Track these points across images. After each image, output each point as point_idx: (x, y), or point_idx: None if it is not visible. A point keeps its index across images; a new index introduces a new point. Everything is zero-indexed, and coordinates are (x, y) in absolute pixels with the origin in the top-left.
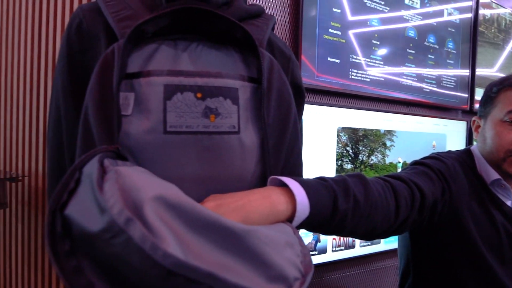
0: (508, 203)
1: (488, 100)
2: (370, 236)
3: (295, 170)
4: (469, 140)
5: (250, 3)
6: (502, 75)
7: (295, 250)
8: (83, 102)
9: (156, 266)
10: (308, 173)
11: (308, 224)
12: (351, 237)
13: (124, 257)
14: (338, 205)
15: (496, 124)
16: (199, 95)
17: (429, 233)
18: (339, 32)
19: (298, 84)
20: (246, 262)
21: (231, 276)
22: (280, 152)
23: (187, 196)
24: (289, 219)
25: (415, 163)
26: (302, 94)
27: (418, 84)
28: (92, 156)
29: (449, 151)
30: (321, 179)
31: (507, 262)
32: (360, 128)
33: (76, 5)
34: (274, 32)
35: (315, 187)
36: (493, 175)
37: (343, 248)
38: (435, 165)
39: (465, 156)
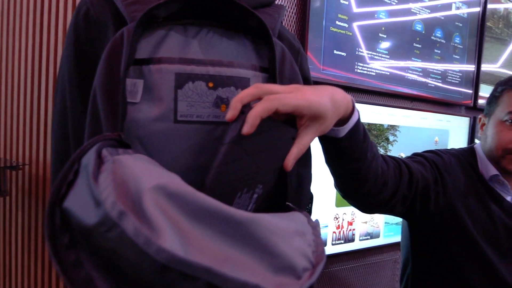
0: (508, 198)
1: (493, 99)
2: (371, 193)
3: (307, 163)
4: (471, 136)
5: None
6: (506, 71)
7: (307, 239)
8: (90, 92)
9: (150, 260)
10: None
11: (353, 134)
12: (357, 193)
13: (120, 251)
14: (366, 131)
15: (497, 124)
16: (210, 84)
17: (427, 223)
18: (346, 25)
19: (306, 77)
20: (251, 252)
21: (232, 269)
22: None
23: (189, 186)
24: (346, 118)
25: (414, 154)
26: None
27: (423, 79)
28: (91, 146)
29: (451, 148)
30: None
31: (505, 255)
32: (364, 122)
33: None
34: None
35: None
36: (492, 171)
37: (342, 241)
38: (430, 157)
39: (466, 153)
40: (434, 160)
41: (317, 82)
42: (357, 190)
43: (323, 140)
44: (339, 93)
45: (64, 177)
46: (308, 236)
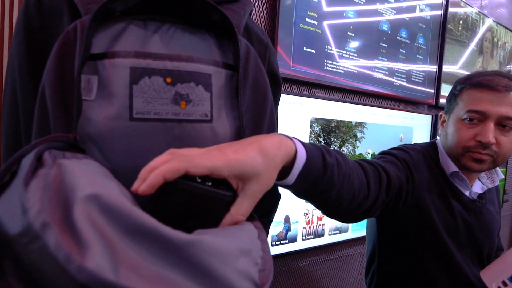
0: (467, 193)
1: (452, 97)
2: (349, 210)
3: None
4: (433, 133)
5: None
6: (465, 71)
7: (253, 258)
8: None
9: (70, 279)
10: None
11: (305, 176)
12: (334, 213)
13: (41, 266)
14: (326, 158)
15: (456, 121)
16: (168, 80)
17: (394, 219)
18: (315, 22)
19: (275, 72)
20: (189, 276)
21: None
22: None
23: (128, 199)
24: (291, 162)
25: (383, 153)
26: (278, 82)
27: (389, 78)
28: (35, 146)
29: (415, 144)
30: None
31: (463, 247)
32: (332, 119)
33: None
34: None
35: (302, 141)
36: (452, 167)
37: (312, 236)
38: (400, 155)
39: (429, 148)
40: (404, 158)
41: (287, 79)
42: (336, 211)
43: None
44: (271, 143)
45: None
46: (254, 254)
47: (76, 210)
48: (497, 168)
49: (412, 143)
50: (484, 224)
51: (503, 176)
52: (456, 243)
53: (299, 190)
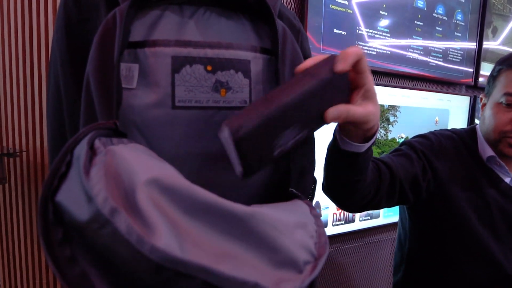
0: (507, 180)
1: (491, 79)
2: (362, 197)
3: (309, 148)
4: (471, 116)
5: None
6: (508, 49)
7: (309, 231)
8: (83, 76)
9: (144, 259)
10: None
11: (369, 150)
12: (350, 202)
13: (114, 248)
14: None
15: (494, 105)
16: (209, 67)
17: (421, 208)
18: (346, 2)
19: (307, 57)
20: (250, 248)
21: (230, 267)
22: None
23: (184, 178)
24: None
25: (403, 143)
26: None
27: (424, 58)
28: (84, 136)
29: (453, 129)
30: None
31: (502, 237)
32: None
33: None
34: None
35: None
36: (489, 152)
37: (343, 222)
38: (418, 145)
39: (466, 134)
40: (421, 148)
41: None
42: (349, 196)
43: (339, 154)
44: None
45: (56, 170)
46: (310, 227)
47: (139, 194)
48: None
49: (449, 126)
50: None
51: None
52: (492, 233)
53: (358, 161)
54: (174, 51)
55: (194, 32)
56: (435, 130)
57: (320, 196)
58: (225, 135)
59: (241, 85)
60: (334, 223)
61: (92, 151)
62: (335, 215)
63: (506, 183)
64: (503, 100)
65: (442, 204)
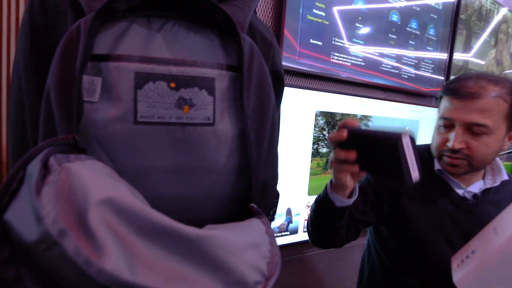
0: (459, 191)
1: (437, 102)
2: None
3: (271, 163)
4: None
5: None
6: (477, 61)
7: (261, 251)
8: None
9: (91, 282)
10: (285, 155)
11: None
12: (329, 242)
13: (61, 270)
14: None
15: (436, 127)
16: (172, 84)
17: (384, 222)
18: (323, 13)
19: (278, 71)
20: (202, 269)
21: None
22: (262, 142)
23: (138, 199)
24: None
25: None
26: (282, 81)
27: (397, 71)
28: (39, 151)
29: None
30: None
31: (453, 242)
32: (337, 113)
33: None
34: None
35: None
36: (437, 166)
37: None
38: (365, 180)
39: (425, 150)
40: (369, 182)
41: (293, 72)
42: (332, 240)
43: (332, 210)
44: None
45: (7, 186)
46: (263, 248)
47: (91, 215)
48: (502, 169)
49: (418, 137)
50: (475, 222)
51: (506, 178)
52: (444, 238)
53: (346, 211)
54: (138, 67)
55: (160, 47)
56: None
57: (291, 203)
58: (407, 140)
59: (205, 102)
60: (305, 229)
61: (46, 169)
62: (305, 221)
63: (456, 193)
64: (441, 123)
65: (399, 217)
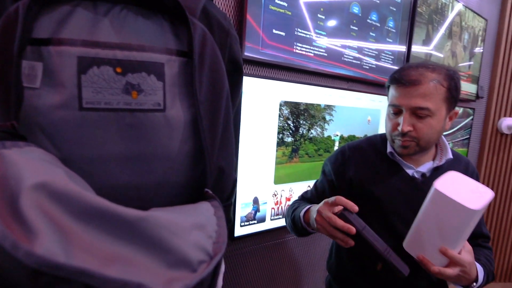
0: (409, 171)
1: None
2: None
3: (227, 149)
4: None
5: None
6: (435, 53)
7: (207, 231)
8: None
9: (19, 265)
10: (250, 145)
11: None
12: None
13: None
14: None
15: (387, 113)
16: (118, 69)
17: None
18: (285, 4)
19: (237, 59)
20: (142, 250)
21: (117, 269)
22: (215, 128)
23: (76, 183)
24: None
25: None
26: (240, 70)
27: (359, 61)
28: None
29: (371, 136)
30: None
31: (405, 216)
32: (302, 103)
33: None
34: (215, 2)
35: None
36: (389, 148)
37: (281, 216)
38: (327, 168)
39: (379, 138)
40: (330, 170)
41: (256, 62)
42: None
43: (307, 231)
44: None
45: None
46: (209, 228)
47: (23, 200)
48: (448, 148)
49: (380, 125)
50: (423, 199)
51: (451, 157)
52: (397, 213)
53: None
54: (81, 51)
55: (106, 32)
56: (350, 143)
57: (258, 192)
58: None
59: (154, 87)
60: (272, 218)
61: None
62: (273, 209)
63: (406, 172)
64: (390, 109)
65: (360, 197)
